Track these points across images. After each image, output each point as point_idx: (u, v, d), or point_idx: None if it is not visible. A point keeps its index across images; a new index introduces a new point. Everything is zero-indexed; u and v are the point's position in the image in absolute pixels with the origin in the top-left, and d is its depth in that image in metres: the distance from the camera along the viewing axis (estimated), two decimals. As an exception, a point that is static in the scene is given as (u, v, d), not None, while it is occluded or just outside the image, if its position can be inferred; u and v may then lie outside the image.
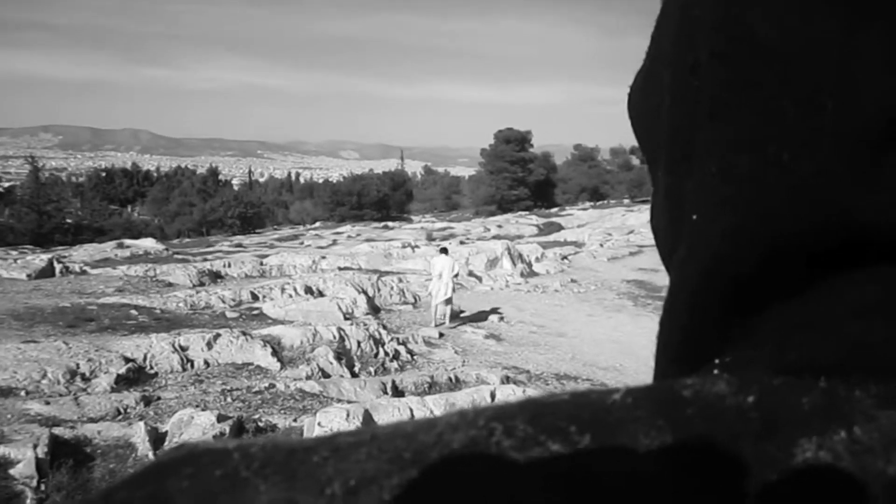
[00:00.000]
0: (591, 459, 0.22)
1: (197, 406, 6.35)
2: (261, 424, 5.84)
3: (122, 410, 6.32)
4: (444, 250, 12.97)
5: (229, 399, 6.83)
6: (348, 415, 5.37)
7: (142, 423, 5.65)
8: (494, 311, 13.96)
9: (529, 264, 20.97)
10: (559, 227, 38.64)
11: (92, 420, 5.91)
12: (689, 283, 0.31)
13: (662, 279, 17.75)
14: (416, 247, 24.77)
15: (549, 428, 0.23)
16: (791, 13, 0.28)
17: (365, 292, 13.55)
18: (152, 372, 7.71)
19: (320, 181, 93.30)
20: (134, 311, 10.55)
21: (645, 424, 0.22)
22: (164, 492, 0.22)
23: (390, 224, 46.16)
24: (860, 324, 0.24)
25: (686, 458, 0.21)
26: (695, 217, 0.31)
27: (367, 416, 5.54)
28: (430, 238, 32.88)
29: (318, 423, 5.30)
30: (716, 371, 0.27)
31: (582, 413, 0.23)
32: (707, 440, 0.22)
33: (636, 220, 37.46)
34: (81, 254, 19.26)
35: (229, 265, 16.46)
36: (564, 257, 23.73)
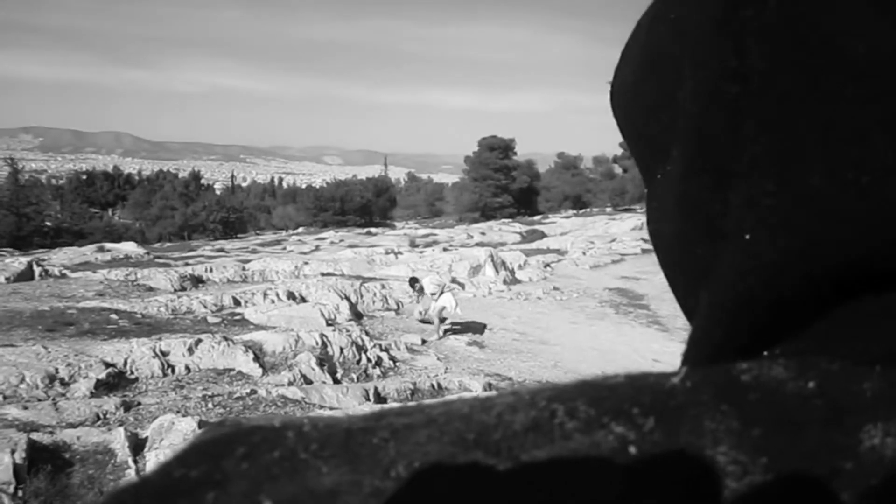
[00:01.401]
0: (659, 444, 0.21)
1: (178, 412, 6.30)
2: (242, 430, 5.80)
3: (101, 416, 6.25)
4: (415, 280, 12.94)
5: (210, 405, 6.78)
6: (331, 421, 5.35)
7: (121, 429, 5.59)
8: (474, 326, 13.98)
9: (512, 272, 21.00)
10: (542, 235, 38.77)
11: (71, 425, 5.84)
12: (739, 303, 0.29)
13: (644, 287, 17.99)
14: (400, 253, 24.74)
15: (612, 410, 0.22)
16: (882, 21, 0.26)
17: (348, 298, 13.51)
18: (132, 377, 7.64)
19: (303, 186, 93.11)
20: (114, 316, 10.45)
21: (709, 409, 0.22)
22: (220, 471, 0.21)
23: (373, 230, 46.09)
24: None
25: (756, 443, 0.21)
26: (748, 237, 0.29)
27: (350, 423, 5.51)
28: (414, 245, 32.87)
29: (301, 430, 5.27)
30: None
31: (642, 397, 0.23)
32: (774, 427, 0.21)
33: (618, 228, 37.67)
34: (61, 257, 19.05)
35: (211, 270, 16.36)
36: (547, 265, 23.81)
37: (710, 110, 0.32)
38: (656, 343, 13.58)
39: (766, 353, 0.27)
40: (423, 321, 12.36)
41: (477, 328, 13.06)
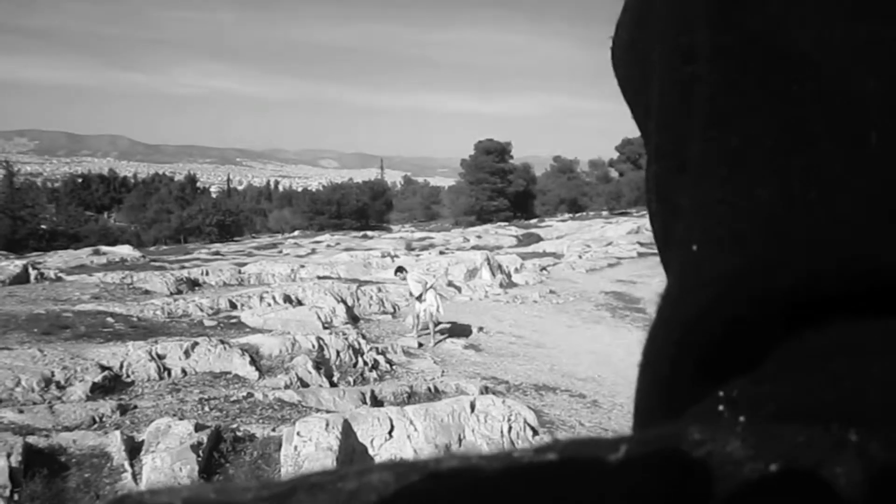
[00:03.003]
0: None
1: (174, 415, 6.29)
2: (239, 434, 5.79)
3: (97, 419, 6.24)
4: (401, 268, 12.80)
5: (207, 408, 6.77)
6: (328, 424, 5.35)
7: (118, 433, 5.59)
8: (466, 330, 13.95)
9: (509, 275, 21.02)
10: (538, 239, 38.81)
11: (67, 429, 5.83)
12: (682, 324, 0.27)
13: (640, 291, 18.01)
14: (396, 256, 24.74)
15: None
16: (834, 13, 0.23)
17: (344, 301, 13.51)
18: (129, 380, 7.63)
19: (299, 190, 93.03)
20: (110, 319, 10.43)
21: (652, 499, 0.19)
22: None
23: (370, 233, 46.12)
24: (858, 366, 0.21)
25: None
26: (694, 248, 0.27)
27: (347, 426, 5.52)
28: (410, 248, 32.88)
29: (298, 433, 5.28)
30: (721, 408, 0.23)
31: (574, 488, 0.19)
32: None
33: (614, 231, 37.71)
34: (56, 260, 19.04)
35: (207, 273, 16.35)
36: (543, 268, 23.82)
37: (666, 92, 0.30)
38: (652, 346, 13.58)
39: (721, 393, 0.24)
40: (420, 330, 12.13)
41: (463, 331, 13.02)
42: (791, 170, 0.24)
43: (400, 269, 12.66)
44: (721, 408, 0.23)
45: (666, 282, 0.33)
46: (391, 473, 0.20)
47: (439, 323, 12.24)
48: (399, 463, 0.21)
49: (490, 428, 5.70)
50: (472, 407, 5.88)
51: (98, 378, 7.26)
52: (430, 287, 12.02)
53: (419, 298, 11.72)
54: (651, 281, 22.27)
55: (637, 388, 0.32)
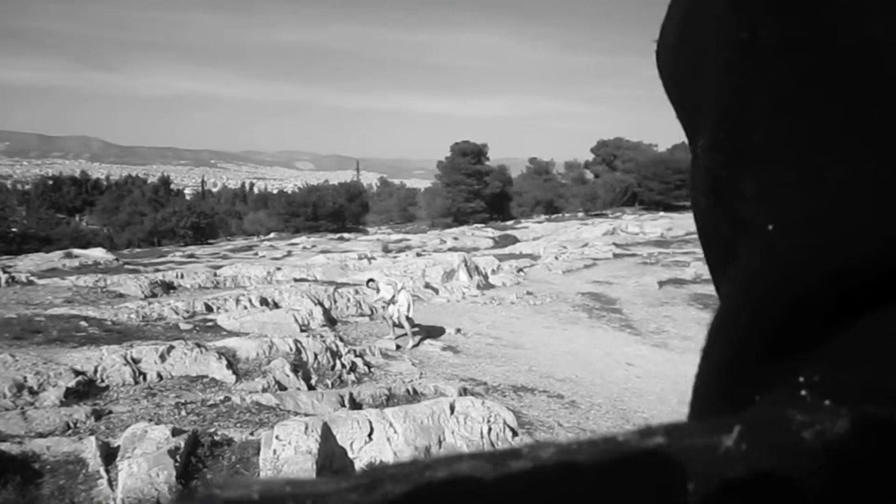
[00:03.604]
0: None
1: (150, 420, 6.22)
2: (216, 438, 5.74)
3: (71, 425, 6.15)
4: (371, 280, 12.73)
5: (183, 412, 6.70)
6: (307, 428, 5.32)
7: (93, 438, 5.51)
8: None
9: (486, 276, 21.05)
10: (515, 240, 38.91)
11: (40, 435, 5.74)
12: (755, 305, 0.27)
13: (616, 292, 18.14)
14: (373, 258, 24.69)
15: (658, 489, 0.19)
16: None
17: (321, 304, 13.45)
18: (103, 385, 7.52)
19: (275, 192, 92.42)
20: (83, 323, 10.29)
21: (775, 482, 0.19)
22: None
23: (346, 235, 45.96)
24: None
25: None
26: (770, 227, 0.27)
27: (326, 430, 5.49)
28: (387, 250, 32.82)
29: (276, 437, 5.24)
30: (803, 392, 0.23)
31: (694, 464, 0.20)
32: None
33: (590, 233, 37.94)
34: (27, 263, 18.72)
35: (182, 276, 16.18)
36: (520, 270, 23.88)
37: (725, 83, 0.31)
38: (629, 347, 13.68)
39: (802, 378, 0.24)
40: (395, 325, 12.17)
41: (441, 333, 13.03)
42: (862, 151, 0.24)
43: (370, 281, 12.60)
44: (803, 392, 0.23)
45: (724, 274, 0.33)
46: (484, 461, 0.20)
47: (415, 325, 12.21)
48: (486, 452, 0.21)
49: (470, 429, 5.70)
50: (452, 409, 5.88)
51: (72, 383, 7.16)
52: (402, 288, 12.11)
53: (392, 300, 11.78)
54: (627, 282, 22.43)
55: (698, 373, 0.32)
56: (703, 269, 24.97)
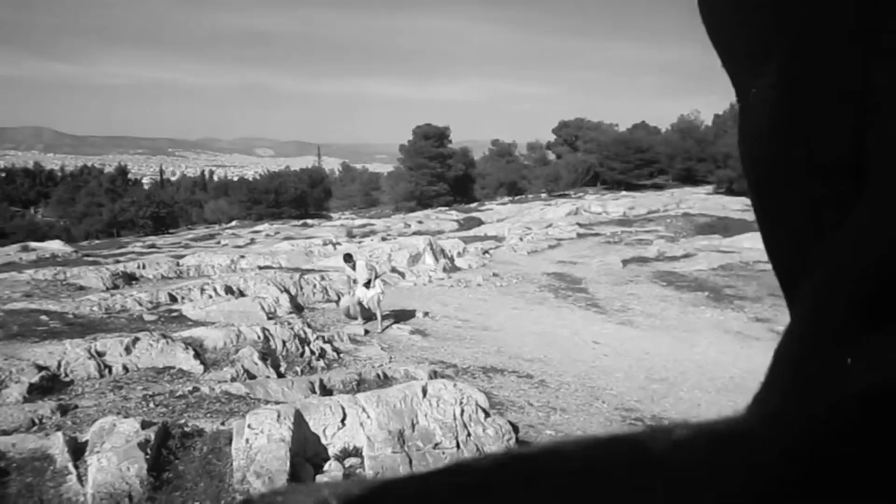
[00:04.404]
0: None
1: (118, 413, 6.12)
2: (187, 429, 5.67)
3: (36, 421, 6.03)
4: (349, 256, 12.61)
5: (152, 404, 6.62)
6: (279, 415, 5.29)
7: (59, 434, 5.41)
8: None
9: (451, 259, 21.08)
10: (479, 222, 39.02)
11: (4, 432, 5.62)
12: (866, 268, 0.25)
13: (581, 271, 18.28)
14: (338, 244, 24.56)
15: None
16: None
17: (287, 291, 13.36)
18: (67, 379, 7.39)
19: (235, 179, 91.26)
20: (44, 317, 10.08)
21: None
22: None
23: (309, 222, 45.64)
24: None
25: None
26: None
27: (299, 417, 5.46)
28: (351, 235, 32.66)
29: (249, 425, 5.20)
30: None
31: None
32: None
33: (554, 214, 38.17)
34: (-18, 258, 18.27)
35: (144, 266, 15.92)
36: (486, 252, 23.97)
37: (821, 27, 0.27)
38: (595, 325, 13.83)
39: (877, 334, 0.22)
40: (348, 316, 12.10)
41: (409, 316, 13.05)
42: None
43: (349, 257, 12.48)
44: None
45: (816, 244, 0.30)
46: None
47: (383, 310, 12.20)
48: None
49: (443, 412, 5.72)
50: (425, 392, 5.89)
51: (35, 378, 7.01)
52: (379, 276, 12.10)
53: (367, 285, 11.73)
54: (591, 261, 22.64)
55: (785, 340, 0.29)
56: (666, 248, 25.33)
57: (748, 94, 0.33)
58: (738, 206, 38.10)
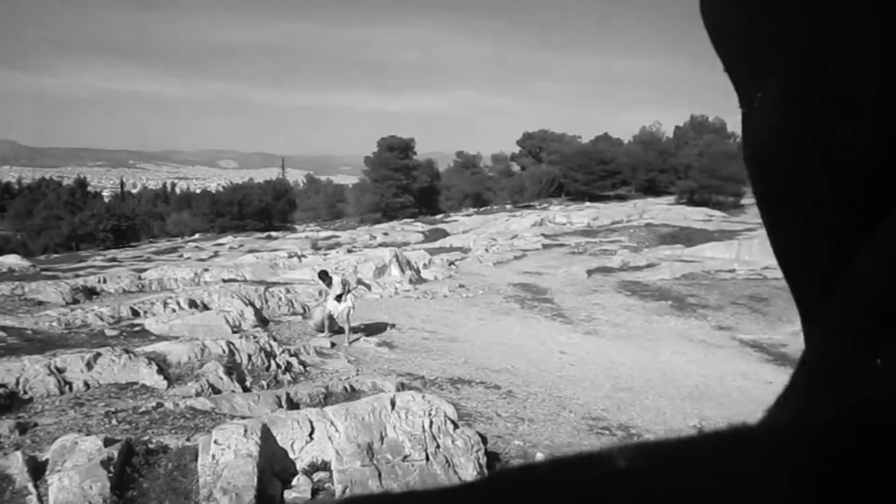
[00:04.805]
0: None
1: (79, 430, 6.00)
2: (151, 446, 5.58)
3: (-6, 440, 5.88)
4: (325, 273, 12.48)
5: (114, 421, 6.50)
6: (246, 430, 5.22)
7: (18, 453, 5.28)
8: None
9: (418, 271, 21.07)
10: (445, 234, 39.06)
11: (-39, 452, 5.47)
12: None
13: (546, 282, 18.40)
14: (303, 256, 24.39)
15: None
16: None
17: (252, 304, 13.22)
18: (26, 397, 7.21)
19: (198, 191, 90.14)
20: (2, 333, 9.83)
21: None
22: None
23: (274, 234, 45.27)
24: None
25: None
26: None
27: (266, 431, 5.40)
28: (316, 247, 32.47)
29: (215, 441, 5.13)
30: None
31: None
32: None
33: (519, 225, 38.37)
34: (-64, 273, 17.77)
35: (105, 280, 15.64)
36: (452, 263, 24.00)
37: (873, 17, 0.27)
38: (561, 335, 13.92)
39: None
40: (320, 331, 12.00)
41: (376, 329, 12.99)
42: None
43: (325, 274, 12.31)
44: None
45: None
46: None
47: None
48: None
49: (412, 424, 5.70)
50: (393, 404, 5.87)
51: (-8, 396, 6.84)
52: (351, 291, 12.03)
53: (339, 298, 11.63)
54: (556, 272, 22.79)
55: (809, 346, 0.30)
56: (630, 258, 25.62)
57: (753, 99, 0.33)
58: (700, 217, 38.69)
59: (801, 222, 0.31)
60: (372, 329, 12.90)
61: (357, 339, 11.89)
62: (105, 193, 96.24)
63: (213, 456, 5.05)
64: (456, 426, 6.08)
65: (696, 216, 38.85)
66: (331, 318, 11.80)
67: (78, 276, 17.57)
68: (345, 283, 12.13)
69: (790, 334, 14.72)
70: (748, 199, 50.56)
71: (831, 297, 0.29)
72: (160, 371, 8.16)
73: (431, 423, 5.83)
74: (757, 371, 11.81)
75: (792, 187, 0.31)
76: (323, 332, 11.90)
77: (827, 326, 0.29)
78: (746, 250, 24.71)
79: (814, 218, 0.30)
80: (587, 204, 49.26)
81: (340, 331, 11.90)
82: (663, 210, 41.87)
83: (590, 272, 22.53)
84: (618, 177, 58.04)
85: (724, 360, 12.51)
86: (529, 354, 11.96)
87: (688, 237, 31.00)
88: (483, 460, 5.82)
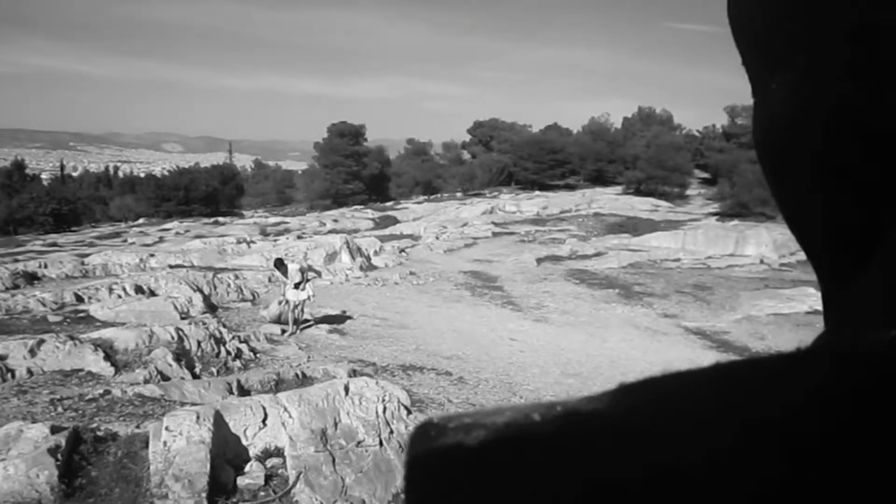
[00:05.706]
0: None
1: (23, 419, 5.86)
2: (100, 434, 5.49)
3: (-66, 428, 5.72)
4: (280, 261, 12.19)
5: (60, 409, 6.37)
6: (198, 417, 5.18)
7: (-40, 441, 5.15)
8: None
9: (368, 258, 21.03)
10: (395, 221, 39.02)
11: None
12: None
13: (497, 270, 18.56)
14: (252, 242, 24.11)
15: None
16: None
17: (200, 290, 13.04)
18: (-34, 385, 7.02)
19: (142, 175, 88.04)
20: (-62, 319, 9.54)
21: None
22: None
23: (221, 220, 44.59)
24: None
25: None
26: None
27: (219, 418, 5.37)
28: (265, 233, 32.12)
29: (166, 428, 5.08)
30: None
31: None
32: None
33: (469, 213, 38.54)
34: None
35: (46, 265, 15.24)
36: (402, 250, 24.02)
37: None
38: (511, 323, 14.08)
39: None
40: (278, 322, 11.72)
41: (326, 316, 12.89)
42: None
43: (280, 263, 11.98)
44: None
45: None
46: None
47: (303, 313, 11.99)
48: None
49: (365, 409, 5.73)
50: (347, 390, 5.89)
51: (-69, 384, 6.64)
52: (310, 280, 11.82)
53: (297, 286, 11.38)
54: (506, 259, 22.99)
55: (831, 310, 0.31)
56: (579, 246, 25.96)
57: (766, 90, 0.35)
58: (647, 207, 39.42)
59: (829, 192, 0.30)
60: (327, 318, 12.84)
61: (308, 326, 11.82)
62: (44, 176, 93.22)
63: (165, 443, 5.01)
64: (409, 412, 6.13)
65: (642, 206, 39.58)
66: (294, 308, 11.47)
67: (17, 260, 17.09)
68: (303, 270, 11.83)
69: (732, 322, 15.15)
70: (693, 190, 51.74)
71: (863, 272, 0.28)
72: (107, 358, 8.00)
73: (385, 408, 5.87)
74: (701, 357, 12.14)
75: (799, 168, 0.32)
76: (286, 322, 11.61)
77: (858, 301, 0.29)
78: (691, 240, 25.32)
79: (842, 188, 0.29)
80: (537, 193, 49.68)
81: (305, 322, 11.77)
82: (611, 200, 42.55)
83: (539, 260, 22.79)
84: (567, 166, 58.60)
85: (670, 347, 12.82)
86: (480, 341, 12.08)
87: (634, 227, 31.59)
88: (436, 445, 5.87)
